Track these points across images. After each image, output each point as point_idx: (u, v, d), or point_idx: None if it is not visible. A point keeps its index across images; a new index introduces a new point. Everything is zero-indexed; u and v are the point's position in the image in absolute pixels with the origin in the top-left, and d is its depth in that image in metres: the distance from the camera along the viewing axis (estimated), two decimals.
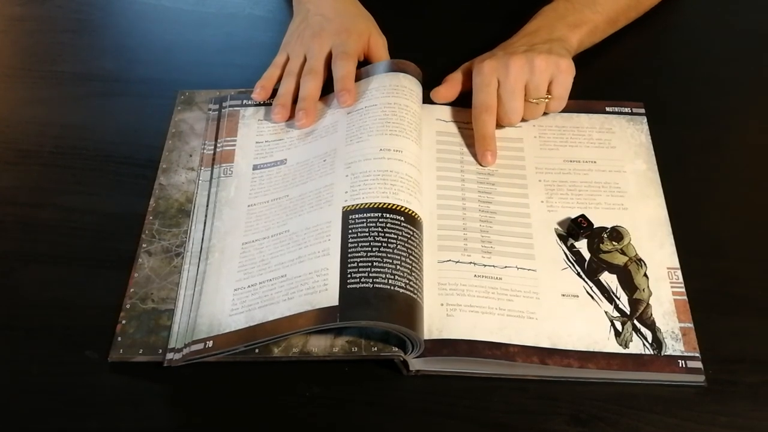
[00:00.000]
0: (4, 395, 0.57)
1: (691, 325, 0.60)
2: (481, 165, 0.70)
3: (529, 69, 0.68)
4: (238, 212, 0.66)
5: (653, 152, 0.71)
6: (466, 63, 0.74)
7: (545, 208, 0.67)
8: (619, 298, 0.61)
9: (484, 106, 0.69)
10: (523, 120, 0.72)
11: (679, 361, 0.58)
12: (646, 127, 0.73)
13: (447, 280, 0.61)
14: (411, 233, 0.60)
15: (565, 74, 0.69)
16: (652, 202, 0.67)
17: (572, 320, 0.60)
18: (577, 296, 0.61)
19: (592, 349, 0.58)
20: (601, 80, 0.78)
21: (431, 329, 0.58)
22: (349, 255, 0.58)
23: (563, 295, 0.61)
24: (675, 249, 0.64)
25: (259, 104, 0.74)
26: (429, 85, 0.73)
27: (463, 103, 0.74)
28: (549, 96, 0.70)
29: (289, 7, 0.81)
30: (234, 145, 0.71)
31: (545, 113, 0.73)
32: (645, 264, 0.63)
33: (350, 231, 0.59)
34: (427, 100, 0.73)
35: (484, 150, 0.69)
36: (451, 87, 0.73)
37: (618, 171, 0.70)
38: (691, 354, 0.58)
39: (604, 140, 0.72)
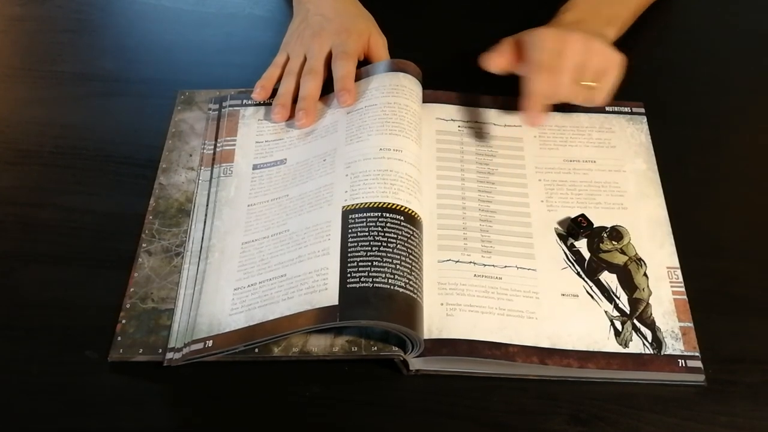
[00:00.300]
0: (4, 395, 0.57)
1: (690, 324, 0.60)
2: (529, 125, 0.68)
3: (586, 49, 0.65)
4: (238, 212, 0.66)
5: (653, 152, 0.71)
6: (509, 37, 0.70)
7: (545, 207, 0.67)
8: (618, 298, 0.61)
9: (543, 65, 0.65)
10: (561, 102, 0.69)
11: (679, 360, 0.58)
12: (646, 126, 0.73)
13: (447, 280, 0.61)
14: (411, 233, 0.60)
15: (615, 69, 0.67)
16: (652, 202, 0.67)
17: (572, 320, 0.60)
18: (577, 296, 0.61)
19: (591, 349, 0.58)
20: None
21: (431, 329, 0.58)
22: (349, 254, 0.58)
23: (563, 295, 0.61)
24: (675, 249, 0.64)
25: (259, 104, 0.74)
26: (429, 84, 0.73)
27: (463, 100, 0.74)
28: (595, 84, 0.67)
29: (289, 7, 0.81)
30: (234, 144, 0.71)
31: (577, 107, 0.71)
32: (645, 263, 0.63)
33: (350, 230, 0.59)
34: (427, 99, 0.73)
35: (537, 111, 0.65)
36: (503, 55, 0.68)
37: (618, 171, 0.70)
38: (691, 353, 0.58)
39: (604, 140, 0.72)
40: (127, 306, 0.60)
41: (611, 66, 0.66)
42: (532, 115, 0.66)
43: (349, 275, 0.57)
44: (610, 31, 0.72)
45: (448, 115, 0.73)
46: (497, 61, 0.68)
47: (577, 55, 0.65)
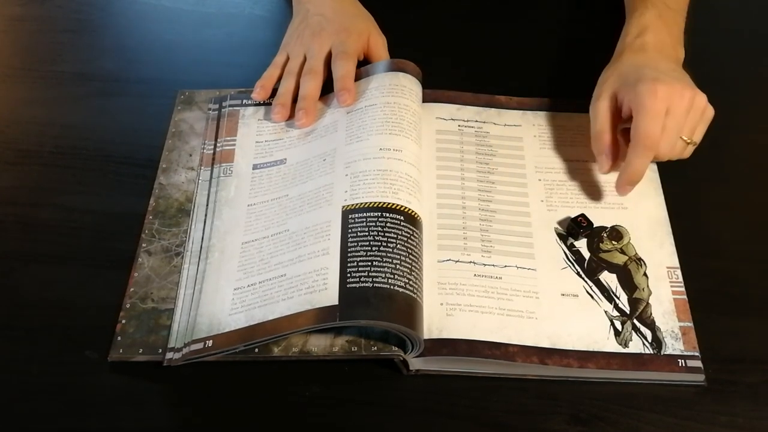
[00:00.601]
0: (4, 395, 0.57)
1: (690, 324, 0.60)
2: (620, 194, 0.66)
3: (690, 106, 0.63)
4: (238, 212, 0.66)
5: None
6: (600, 103, 0.66)
7: (545, 207, 0.67)
8: (618, 298, 0.61)
9: (652, 140, 0.61)
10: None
11: (679, 360, 0.58)
12: None
13: (447, 280, 0.61)
14: (411, 233, 0.60)
15: (707, 123, 0.65)
16: (651, 202, 0.67)
17: (572, 320, 0.60)
18: (577, 296, 0.61)
19: (591, 349, 0.58)
20: None
21: (431, 329, 0.58)
22: (349, 254, 0.58)
23: (563, 295, 0.61)
24: (675, 249, 0.64)
25: (258, 104, 0.74)
26: (429, 84, 0.73)
27: (463, 100, 0.74)
28: (689, 140, 0.64)
29: (289, 7, 0.81)
30: (234, 144, 0.71)
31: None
32: (645, 263, 0.63)
33: (350, 230, 0.59)
34: (426, 99, 0.73)
35: (632, 184, 0.64)
36: (609, 150, 0.65)
37: (617, 170, 0.69)
38: (691, 353, 0.58)
39: None
40: (127, 306, 0.60)
41: (704, 121, 0.65)
42: (625, 189, 0.65)
43: (348, 275, 0.57)
44: (682, 50, 0.71)
45: (448, 114, 0.73)
46: (609, 165, 0.65)
47: (683, 113, 0.63)
